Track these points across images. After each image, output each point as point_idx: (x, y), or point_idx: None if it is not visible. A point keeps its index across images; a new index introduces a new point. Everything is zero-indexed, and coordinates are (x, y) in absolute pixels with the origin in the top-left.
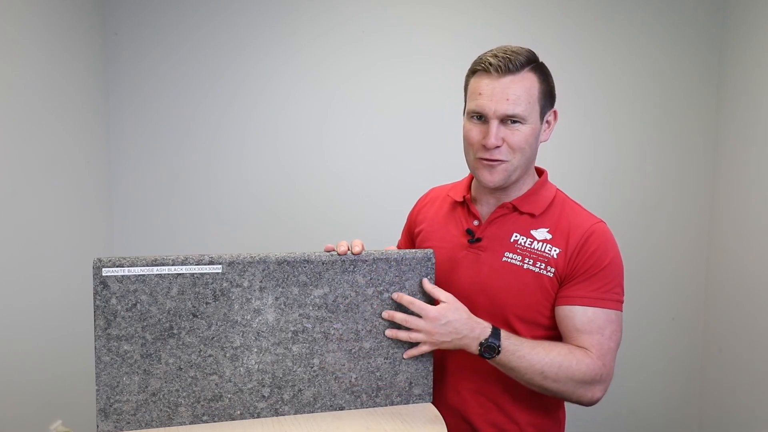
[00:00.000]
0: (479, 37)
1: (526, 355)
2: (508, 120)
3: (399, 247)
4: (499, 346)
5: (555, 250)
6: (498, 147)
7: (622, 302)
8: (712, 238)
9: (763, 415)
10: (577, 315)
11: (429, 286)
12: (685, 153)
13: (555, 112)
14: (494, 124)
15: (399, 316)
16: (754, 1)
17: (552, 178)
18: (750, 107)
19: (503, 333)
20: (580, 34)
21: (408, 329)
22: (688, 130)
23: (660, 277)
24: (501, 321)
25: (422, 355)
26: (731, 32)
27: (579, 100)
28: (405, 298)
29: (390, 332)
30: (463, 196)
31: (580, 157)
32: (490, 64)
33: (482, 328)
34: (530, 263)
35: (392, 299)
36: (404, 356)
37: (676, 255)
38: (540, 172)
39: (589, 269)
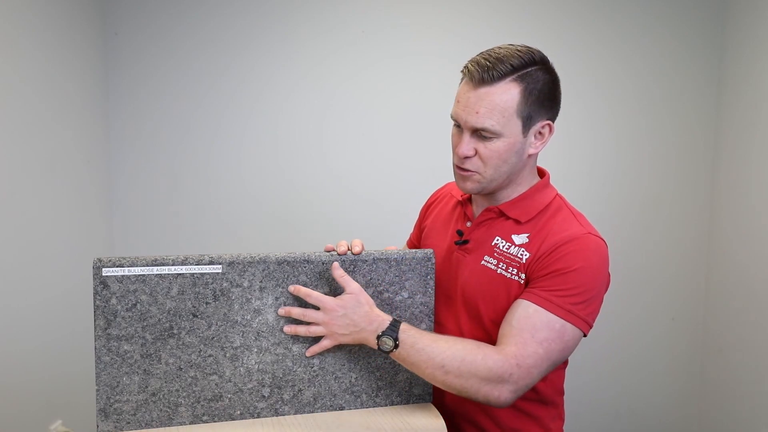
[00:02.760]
0: (479, 37)
1: (426, 347)
2: (479, 132)
3: (409, 242)
4: (396, 339)
5: (526, 255)
6: (468, 157)
7: (579, 318)
8: (712, 238)
9: (763, 415)
10: (519, 308)
11: (338, 273)
12: (685, 153)
13: (550, 125)
14: (466, 134)
15: (296, 311)
16: (754, 1)
17: (552, 178)
18: (750, 107)
19: (403, 326)
20: (581, 34)
21: (307, 324)
22: (688, 130)
23: (660, 277)
24: (478, 325)
25: None
26: (731, 32)
27: (579, 100)
28: (302, 290)
29: (288, 328)
30: (462, 196)
31: (580, 158)
32: (469, 70)
33: (380, 321)
34: (503, 268)
35: (290, 292)
36: (306, 353)
37: (676, 255)
38: (542, 173)
39: (551, 269)
